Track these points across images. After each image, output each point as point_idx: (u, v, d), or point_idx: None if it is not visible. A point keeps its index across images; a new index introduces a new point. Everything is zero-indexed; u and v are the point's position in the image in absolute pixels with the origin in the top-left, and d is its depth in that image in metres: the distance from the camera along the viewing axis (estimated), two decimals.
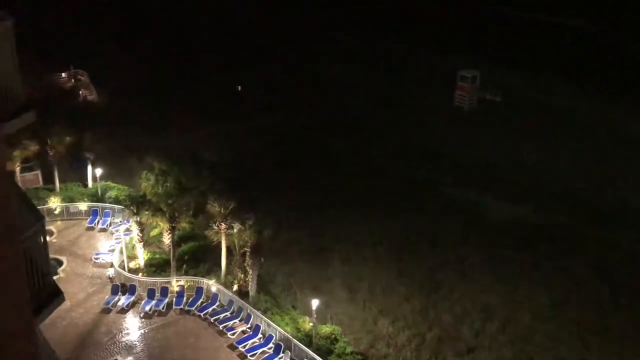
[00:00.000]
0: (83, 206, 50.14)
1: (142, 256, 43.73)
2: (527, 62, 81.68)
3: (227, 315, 39.21)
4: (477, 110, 73.19)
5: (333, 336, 37.26)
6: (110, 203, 50.19)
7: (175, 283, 41.42)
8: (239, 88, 76.82)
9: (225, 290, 40.45)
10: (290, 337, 36.26)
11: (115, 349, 36.81)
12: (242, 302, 39.39)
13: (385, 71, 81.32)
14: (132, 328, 38.66)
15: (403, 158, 60.83)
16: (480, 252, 46.11)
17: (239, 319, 38.87)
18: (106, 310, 39.86)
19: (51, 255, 39.15)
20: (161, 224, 42.79)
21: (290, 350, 36.01)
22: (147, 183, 43.08)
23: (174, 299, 40.41)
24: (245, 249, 40.16)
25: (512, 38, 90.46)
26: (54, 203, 49.85)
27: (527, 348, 37.64)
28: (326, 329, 37.74)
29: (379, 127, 67.28)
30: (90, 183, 53.52)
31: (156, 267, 43.52)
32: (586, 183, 56.09)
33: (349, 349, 36.55)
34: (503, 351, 37.36)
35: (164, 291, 40.81)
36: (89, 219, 49.24)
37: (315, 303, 37.27)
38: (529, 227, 49.49)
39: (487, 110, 72.32)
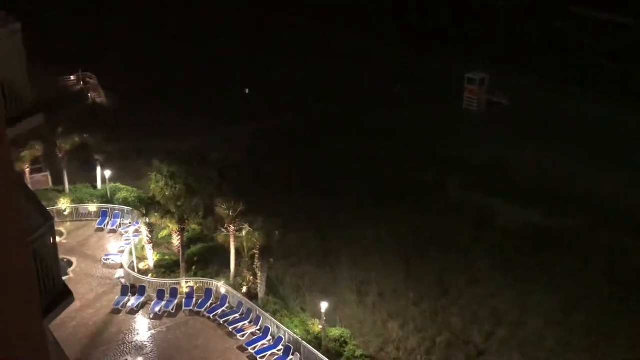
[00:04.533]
0: (92, 207, 50.28)
1: (151, 257, 43.81)
2: (536, 64, 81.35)
3: (236, 316, 39.24)
4: (486, 113, 72.97)
5: (342, 339, 37.18)
6: (119, 204, 50.29)
7: (185, 284, 41.45)
8: (247, 91, 76.78)
9: (235, 292, 40.46)
10: (300, 339, 36.22)
11: (125, 350, 36.90)
12: (252, 303, 39.39)
13: (394, 74, 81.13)
14: (142, 329, 38.71)
15: (412, 160, 60.63)
16: (490, 256, 45.87)
17: (248, 320, 38.87)
18: (116, 311, 39.96)
19: (61, 256, 39.37)
20: (170, 225, 42.90)
21: (300, 353, 35.97)
22: (156, 185, 43.22)
23: (184, 300, 40.48)
24: (254, 251, 40.14)
25: (520, 40, 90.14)
26: (64, 204, 49.99)
27: (536, 353, 37.43)
28: (335, 331, 37.66)
29: (389, 130, 67.11)
30: (99, 184, 53.65)
31: (165, 268, 43.59)
32: (597, 187, 55.72)
33: (358, 352, 36.47)
34: (513, 355, 37.18)
35: (174, 292, 40.87)
36: (98, 220, 49.38)
37: (324, 306, 37.20)
38: (539, 231, 49.18)
39: (495, 113, 72.09)
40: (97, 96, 74.92)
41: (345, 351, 36.45)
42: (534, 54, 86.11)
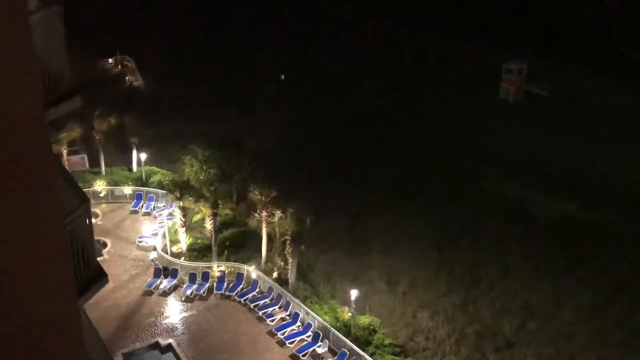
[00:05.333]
0: (128, 190, 50.93)
1: (184, 241, 44.28)
2: (576, 56, 79.82)
3: (266, 302, 39.48)
4: (523, 104, 72.02)
5: (371, 327, 37.21)
6: (154, 188, 50.86)
7: (217, 268, 41.84)
8: (283, 77, 76.82)
9: (265, 277, 40.71)
10: (329, 326, 36.33)
11: (156, 331, 37.42)
12: (282, 289, 39.60)
13: (430, 63, 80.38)
14: (174, 311, 39.20)
15: (446, 150, 60.19)
16: (523, 248, 45.46)
17: (278, 306, 39.09)
18: (148, 293, 40.50)
19: (96, 237, 39.96)
20: (203, 209, 43.30)
21: (329, 339, 36.10)
22: (190, 169, 43.63)
23: (215, 284, 40.86)
24: (286, 237, 40.32)
25: (562, 30, 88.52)
26: (100, 186, 50.72)
27: (568, 346, 37.04)
28: (365, 319, 37.71)
29: (423, 119, 66.66)
30: (135, 167, 54.31)
31: (198, 251, 44.04)
32: (635, 181, 54.65)
33: (387, 341, 36.47)
34: (543, 348, 36.85)
35: (205, 276, 41.27)
36: (133, 203, 50.03)
37: (354, 293, 37.26)
38: (574, 225, 48.46)
39: (533, 104, 71.11)
40: (134, 79, 75.69)
41: (373, 339, 36.47)
42: (574, 45, 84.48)
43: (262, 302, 39.46)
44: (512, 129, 64.92)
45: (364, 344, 35.87)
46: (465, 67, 78.45)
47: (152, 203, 49.65)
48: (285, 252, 40.62)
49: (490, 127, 65.14)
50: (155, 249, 44.08)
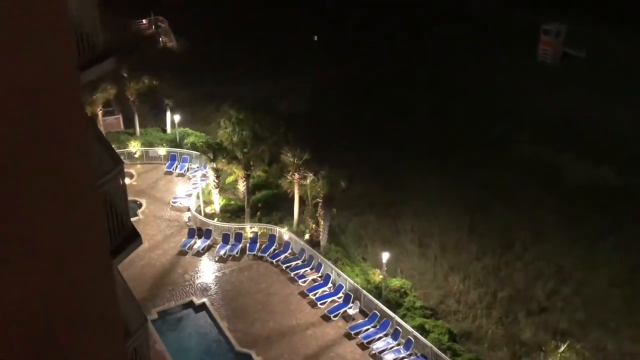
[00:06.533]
0: (162, 151, 51.40)
1: (217, 202, 44.70)
2: (615, 16, 77.56)
3: (298, 263, 39.82)
4: (561, 66, 70.49)
5: (403, 290, 37.34)
6: (188, 149, 51.23)
7: (249, 229, 42.21)
8: (315, 38, 76.17)
9: (297, 239, 40.98)
10: (360, 288, 36.56)
11: (190, 290, 38.05)
12: (313, 251, 39.86)
13: (466, 23, 78.87)
14: (207, 271, 39.78)
15: (481, 113, 59.36)
16: (557, 213, 44.89)
17: (310, 267, 39.40)
18: (182, 253, 41.11)
19: (131, 197, 40.58)
20: (236, 171, 43.62)
21: (360, 301, 36.36)
22: (224, 131, 43.81)
23: (248, 244, 41.28)
24: (318, 199, 40.43)
25: None
26: (134, 147, 51.24)
27: (601, 312, 36.78)
28: (396, 282, 37.83)
29: (458, 81, 65.67)
30: (169, 129, 54.67)
31: (231, 213, 44.44)
32: None
33: (418, 304, 36.59)
34: (576, 314, 36.65)
35: (238, 237, 41.68)
36: (167, 164, 50.52)
37: (385, 256, 37.32)
38: (610, 190, 47.67)
39: (571, 66, 69.56)
40: (168, 41, 75.71)
41: (404, 302, 36.63)
42: (612, 5, 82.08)
43: (294, 263, 39.83)
44: (549, 91, 63.66)
45: (395, 306, 36.06)
46: (503, 28, 76.82)
47: (186, 164, 50.09)
48: (317, 214, 40.79)
49: (527, 90, 63.96)
50: (189, 209, 44.57)
